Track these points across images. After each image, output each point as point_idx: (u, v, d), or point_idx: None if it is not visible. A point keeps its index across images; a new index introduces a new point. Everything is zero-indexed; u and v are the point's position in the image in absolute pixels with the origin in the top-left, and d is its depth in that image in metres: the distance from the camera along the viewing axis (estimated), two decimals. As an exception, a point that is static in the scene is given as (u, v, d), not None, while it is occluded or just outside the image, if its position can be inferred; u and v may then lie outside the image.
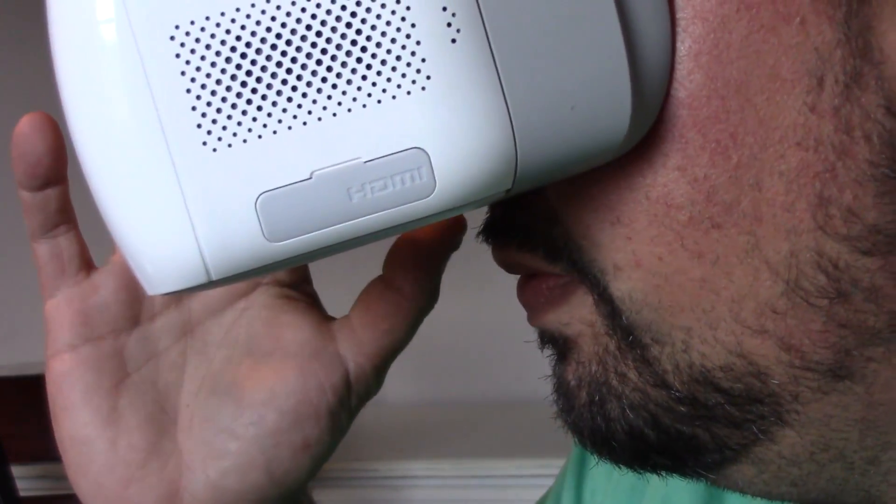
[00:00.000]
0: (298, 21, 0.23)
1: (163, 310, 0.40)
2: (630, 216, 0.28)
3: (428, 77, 0.24)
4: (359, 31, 0.24)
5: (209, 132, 0.24)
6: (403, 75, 0.24)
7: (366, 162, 0.24)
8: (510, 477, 1.30)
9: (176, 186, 0.24)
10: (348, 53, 0.24)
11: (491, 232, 0.33)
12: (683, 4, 0.26)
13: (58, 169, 0.37)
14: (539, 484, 0.57)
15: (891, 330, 0.27)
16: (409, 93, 0.24)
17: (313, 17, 0.23)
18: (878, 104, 0.25)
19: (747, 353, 0.28)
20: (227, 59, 0.23)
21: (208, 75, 0.24)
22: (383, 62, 0.24)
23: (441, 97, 0.24)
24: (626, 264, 0.28)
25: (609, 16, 0.25)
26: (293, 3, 0.23)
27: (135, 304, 0.40)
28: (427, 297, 0.39)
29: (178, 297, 0.41)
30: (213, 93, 0.24)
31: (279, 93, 0.24)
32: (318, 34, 0.24)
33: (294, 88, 0.24)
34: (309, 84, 0.24)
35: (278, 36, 0.23)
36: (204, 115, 0.24)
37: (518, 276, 0.33)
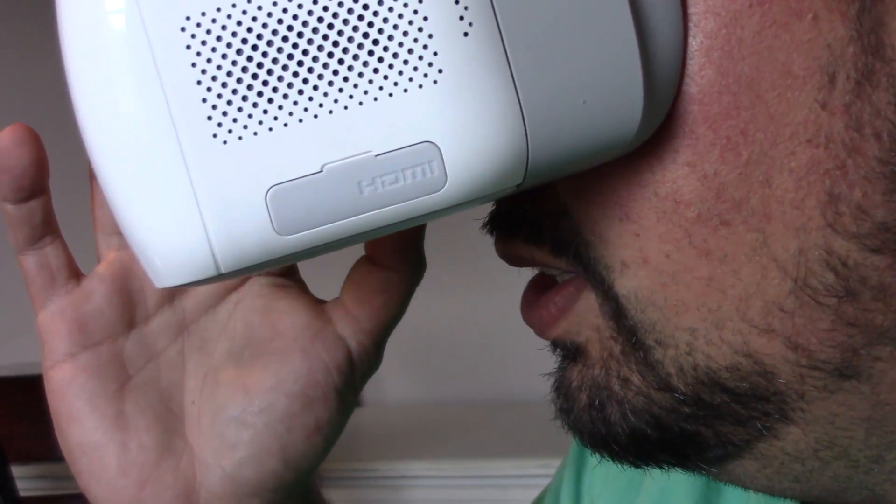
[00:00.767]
0: (310, 13, 0.23)
1: (156, 311, 0.40)
2: (639, 213, 0.28)
3: (440, 70, 0.24)
4: (371, 24, 0.23)
5: (220, 125, 0.24)
6: (415, 68, 0.24)
7: (377, 156, 0.24)
8: (510, 477, 1.30)
9: (186, 179, 0.24)
10: (360, 46, 0.24)
11: (497, 224, 0.33)
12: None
13: (42, 180, 0.37)
14: (539, 484, 0.57)
15: None
16: (420, 86, 0.24)
17: (325, 8, 0.23)
18: (888, 101, 0.25)
19: (754, 353, 0.28)
20: (238, 51, 0.23)
21: (219, 67, 0.23)
22: (395, 55, 0.24)
23: (453, 91, 0.24)
24: (634, 261, 0.28)
25: (622, 10, 0.25)
26: None
27: (128, 307, 0.40)
28: (415, 266, 0.39)
29: (170, 296, 0.41)
30: (224, 85, 0.23)
31: (290, 85, 0.24)
32: (330, 26, 0.23)
33: (305, 81, 0.24)
34: (320, 77, 0.24)
35: (290, 28, 0.23)
36: (214, 107, 0.24)
37: (517, 276, 0.33)
